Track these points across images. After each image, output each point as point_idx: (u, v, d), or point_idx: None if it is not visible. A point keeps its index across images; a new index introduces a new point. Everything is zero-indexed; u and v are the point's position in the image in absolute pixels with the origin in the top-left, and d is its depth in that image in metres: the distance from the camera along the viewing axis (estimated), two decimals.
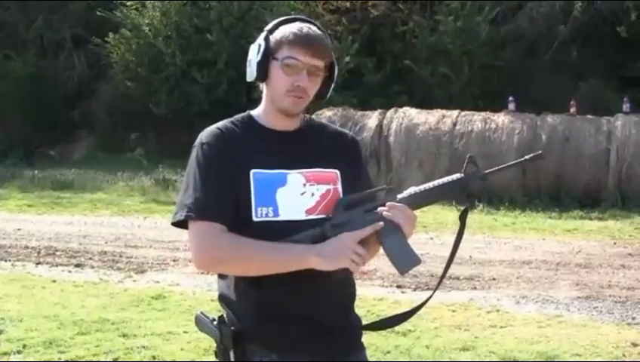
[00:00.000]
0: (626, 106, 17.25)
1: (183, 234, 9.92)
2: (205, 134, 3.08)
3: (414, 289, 9.66)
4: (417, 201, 3.11)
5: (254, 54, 3.06)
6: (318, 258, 2.89)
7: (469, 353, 7.32)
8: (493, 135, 17.11)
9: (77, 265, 11.18)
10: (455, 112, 17.74)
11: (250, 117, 3.13)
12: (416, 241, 11.69)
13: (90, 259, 11.57)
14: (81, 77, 26.54)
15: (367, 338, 7.86)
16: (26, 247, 12.36)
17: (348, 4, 22.00)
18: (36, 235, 13.31)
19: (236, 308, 3.00)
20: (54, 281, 10.19)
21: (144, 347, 7.34)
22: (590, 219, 15.19)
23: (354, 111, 18.56)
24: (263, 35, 3.07)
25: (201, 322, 3.07)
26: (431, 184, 3.17)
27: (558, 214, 15.52)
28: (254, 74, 3.07)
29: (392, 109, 18.24)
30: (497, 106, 18.08)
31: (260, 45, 3.05)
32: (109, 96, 25.90)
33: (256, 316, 2.98)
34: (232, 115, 3.17)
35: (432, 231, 13.61)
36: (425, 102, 19.22)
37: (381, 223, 2.98)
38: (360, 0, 22.06)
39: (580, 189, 16.50)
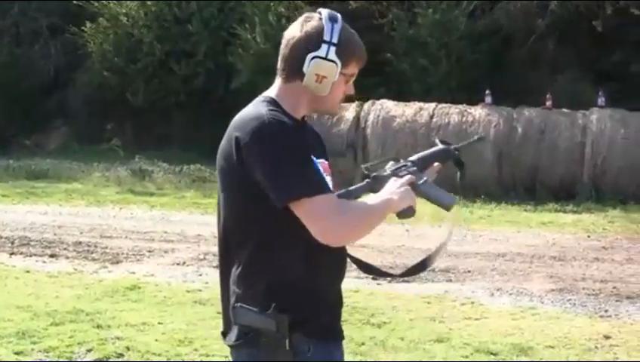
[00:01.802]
0: (601, 100, 17.32)
1: (158, 225, 9.94)
2: (279, 119, 2.99)
3: (390, 281, 9.66)
4: (425, 162, 3.38)
5: (331, 73, 3.07)
6: (397, 199, 3.08)
7: (444, 344, 7.35)
8: (470, 128, 17.16)
9: (51, 256, 11.13)
10: (432, 105, 17.78)
11: (283, 108, 3.09)
12: (393, 234, 11.84)
13: (65, 249, 11.53)
14: (57, 66, 26.39)
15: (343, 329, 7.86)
16: (0, 237, 12.30)
17: None
18: (10, 225, 13.25)
19: (287, 297, 2.98)
20: (28, 271, 10.15)
21: (118, 338, 7.33)
22: (565, 212, 15.27)
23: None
24: (332, 49, 3.06)
25: (244, 313, 3.00)
26: (429, 151, 3.45)
27: (533, 207, 15.59)
28: (326, 90, 3.10)
29: (370, 101, 18.25)
30: (474, 99, 18.12)
31: (336, 64, 3.07)
32: (85, 86, 25.77)
33: (306, 303, 3.02)
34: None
35: (408, 223, 13.61)
36: (402, 95, 19.23)
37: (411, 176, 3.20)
38: None
39: (555, 182, 16.59)
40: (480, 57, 21.42)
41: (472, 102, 17.89)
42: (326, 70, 3.06)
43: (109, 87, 24.46)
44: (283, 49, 3.12)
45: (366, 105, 18.11)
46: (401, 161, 3.30)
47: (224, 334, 3.17)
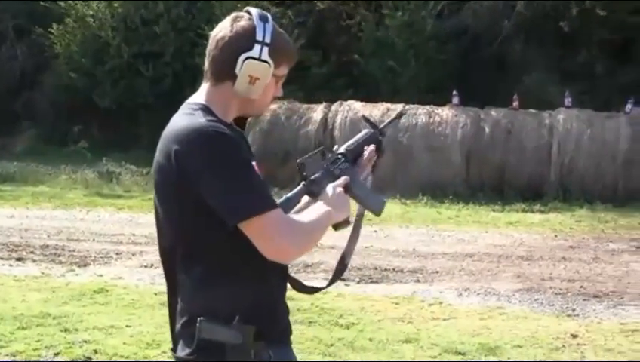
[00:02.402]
0: (567, 100, 17.44)
1: (126, 228, 9.86)
2: (220, 130, 2.87)
3: (358, 282, 9.68)
4: (356, 151, 3.37)
5: (264, 74, 2.97)
6: (336, 212, 3.04)
7: (412, 345, 7.36)
8: (438, 128, 17.22)
9: (18, 259, 11.04)
10: (400, 106, 17.80)
11: (215, 115, 2.97)
12: (361, 234, 11.70)
13: (32, 252, 11.44)
14: (23, 68, 26.23)
15: (311, 331, 7.90)
16: None
17: None
18: None
19: (249, 308, 2.92)
20: None
21: (86, 341, 7.28)
22: (532, 212, 15.35)
23: (299, 105, 18.58)
24: (265, 50, 2.96)
25: (209, 328, 2.90)
26: (358, 137, 3.45)
27: (501, 207, 15.66)
28: (259, 92, 3.01)
29: (337, 102, 18.28)
30: (442, 100, 18.18)
31: (269, 65, 2.96)
32: (52, 88, 25.64)
33: (266, 312, 2.99)
34: (178, 108, 3.11)
35: (376, 224, 13.63)
36: (370, 96, 19.26)
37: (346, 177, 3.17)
38: None
39: (522, 182, 16.67)
40: (447, 58, 21.54)
41: (440, 103, 17.95)
42: (259, 71, 2.96)
43: (76, 89, 24.35)
44: (212, 50, 3.00)
45: (334, 106, 18.13)
46: (331, 153, 3.27)
47: (174, 347, 3.07)
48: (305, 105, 18.51)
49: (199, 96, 3.04)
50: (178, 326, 3.02)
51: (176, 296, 3.03)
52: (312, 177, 3.14)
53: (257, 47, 2.94)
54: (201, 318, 2.89)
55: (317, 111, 18.09)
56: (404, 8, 21.35)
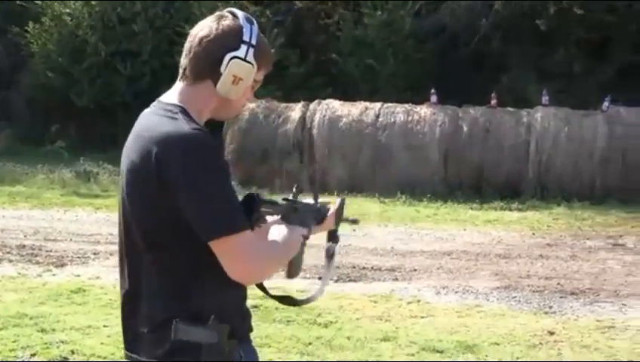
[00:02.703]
0: (544, 99, 17.50)
1: (103, 227, 9.80)
2: (204, 139, 2.83)
3: (336, 281, 9.68)
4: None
5: (247, 76, 2.94)
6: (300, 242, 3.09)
7: (390, 343, 7.37)
8: (416, 127, 17.25)
9: None
10: (378, 104, 17.84)
11: (191, 117, 2.93)
12: (339, 233, 11.69)
13: (9, 253, 11.37)
14: None
15: (289, 330, 7.90)
16: None
17: None
18: None
19: (221, 309, 2.91)
20: None
21: (63, 341, 7.25)
22: (510, 210, 15.40)
23: (277, 103, 18.56)
24: (251, 51, 2.93)
25: (187, 329, 2.87)
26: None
27: (479, 205, 15.70)
28: (239, 93, 2.98)
29: (316, 101, 18.28)
30: (420, 99, 18.21)
31: (253, 67, 2.94)
32: (29, 87, 25.51)
33: (236, 312, 3.00)
34: None
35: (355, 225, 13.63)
36: (349, 95, 19.29)
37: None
38: None
39: (500, 180, 16.72)
40: (425, 57, 21.58)
41: (418, 102, 17.98)
42: (243, 72, 2.92)
43: (53, 88, 24.24)
44: (194, 47, 2.94)
45: (312, 105, 18.13)
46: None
47: (133, 349, 3.05)
48: (283, 104, 18.50)
49: (172, 96, 2.98)
50: (144, 329, 2.97)
51: (139, 298, 2.98)
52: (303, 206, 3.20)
53: (244, 47, 2.91)
54: (177, 320, 2.86)
55: (295, 110, 18.09)
56: (382, 7, 21.38)
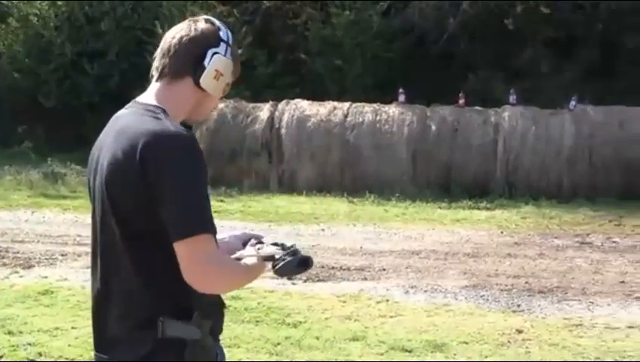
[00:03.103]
0: (512, 98, 17.58)
1: (71, 229, 9.73)
2: (191, 140, 2.88)
3: (305, 281, 9.67)
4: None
5: (227, 72, 3.03)
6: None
7: (359, 343, 7.39)
8: (384, 126, 17.27)
9: None
10: (346, 104, 17.85)
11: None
12: (308, 233, 11.82)
13: None
14: None
15: (258, 330, 7.88)
16: None
17: None
18: None
19: (201, 306, 2.93)
20: None
21: (30, 344, 7.21)
22: (479, 208, 15.45)
23: (246, 104, 18.52)
24: (229, 50, 3.03)
25: (172, 325, 2.89)
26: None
27: (448, 204, 15.73)
28: (219, 90, 3.05)
29: (284, 101, 18.27)
30: (388, 98, 18.25)
31: (232, 65, 3.04)
32: None
33: (214, 310, 3.01)
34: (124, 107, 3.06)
35: (323, 222, 13.67)
36: (317, 94, 19.28)
37: None
38: None
39: (468, 180, 16.78)
40: (394, 56, 21.60)
41: (386, 101, 18.01)
42: (224, 68, 3.00)
43: (19, 89, 24.05)
44: (174, 46, 3.00)
45: (280, 105, 18.12)
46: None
47: (104, 350, 3.05)
48: (251, 105, 18.47)
49: (150, 97, 3.01)
50: (120, 330, 2.98)
51: (113, 298, 3.00)
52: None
53: (223, 45, 3.01)
54: (162, 318, 2.87)
55: (264, 111, 18.06)
56: (350, 7, 21.40)
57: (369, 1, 21.36)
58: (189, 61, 2.98)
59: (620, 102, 17.35)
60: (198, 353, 2.90)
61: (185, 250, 2.78)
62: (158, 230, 2.83)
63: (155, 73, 3.04)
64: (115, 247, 2.96)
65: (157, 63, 3.04)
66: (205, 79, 2.98)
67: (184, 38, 3.00)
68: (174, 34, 3.03)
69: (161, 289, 2.91)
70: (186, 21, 3.08)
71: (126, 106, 3.07)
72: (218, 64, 2.98)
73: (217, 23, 3.06)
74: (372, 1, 21.32)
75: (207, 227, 2.81)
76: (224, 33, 3.03)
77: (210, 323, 2.93)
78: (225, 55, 3.00)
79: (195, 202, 2.81)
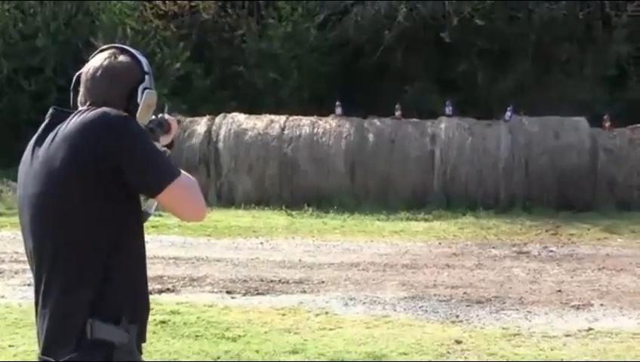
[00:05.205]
0: (448, 109, 17.73)
1: (8, 246, 9.63)
2: (121, 113, 3.05)
3: (244, 294, 9.66)
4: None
5: (154, 102, 3.20)
6: None
7: (299, 355, 7.39)
8: (321, 139, 17.31)
9: None
10: (283, 117, 17.87)
11: None
12: (247, 246, 11.80)
13: None
14: None
15: (197, 344, 7.84)
16: None
17: (176, 8, 21.83)
18: None
19: (130, 309, 3.03)
20: None
21: None
22: (417, 220, 15.52)
23: (183, 118, 18.45)
24: (152, 80, 3.20)
25: (100, 327, 2.96)
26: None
27: (386, 216, 15.78)
28: (148, 119, 3.26)
29: (221, 115, 18.22)
30: (325, 111, 18.29)
31: (155, 93, 3.21)
32: None
33: (142, 314, 3.12)
34: None
35: (262, 235, 13.66)
36: (254, 108, 19.26)
37: None
38: (187, 0, 21.89)
39: (406, 191, 16.87)
40: (330, 69, 21.68)
41: (323, 114, 18.06)
42: (153, 100, 3.18)
43: None
44: (101, 80, 3.13)
45: (217, 119, 18.07)
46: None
47: (48, 352, 3.07)
48: (189, 119, 18.40)
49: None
50: (56, 331, 3.03)
51: (50, 300, 3.05)
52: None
53: (147, 77, 3.17)
54: (91, 319, 2.95)
55: (201, 124, 18.00)
56: (287, 19, 21.46)
57: (305, 13, 21.42)
58: (117, 99, 3.12)
59: (555, 113, 17.59)
60: (125, 356, 2.98)
61: (170, 199, 3.01)
62: (91, 232, 2.97)
63: (81, 106, 3.16)
64: (50, 250, 3.05)
65: (83, 97, 3.18)
66: (141, 114, 3.14)
67: (110, 73, 3.14)
68: (98, 66, 3.16)
69: (91, 291, 2.98)
70: (104, 55, 3.18)
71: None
72: (149, 98, 3.15)
73: (135, 53, 3.19)
74: (308, 15, 21.39)
75: (174, 172, 3.01)
76: (145, 64, 3.17)
77: (136, 328, 3.02)
78: (151, 87, 3.16)
79: (154, 158, 3.00)
